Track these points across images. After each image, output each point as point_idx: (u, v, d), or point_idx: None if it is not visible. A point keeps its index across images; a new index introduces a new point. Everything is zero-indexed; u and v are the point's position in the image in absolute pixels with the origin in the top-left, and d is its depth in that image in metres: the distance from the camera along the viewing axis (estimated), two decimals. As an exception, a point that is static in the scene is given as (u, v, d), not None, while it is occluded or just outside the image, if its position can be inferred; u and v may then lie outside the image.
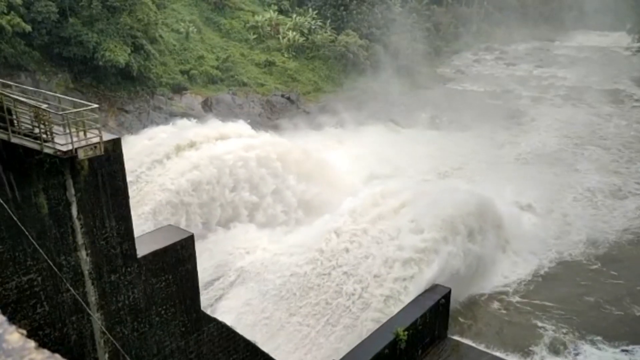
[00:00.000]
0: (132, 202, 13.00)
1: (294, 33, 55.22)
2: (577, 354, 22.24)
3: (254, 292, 24.42)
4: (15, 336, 2.62)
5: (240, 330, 16.61)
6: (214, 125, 32.34)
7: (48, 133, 10.32)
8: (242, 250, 26.59)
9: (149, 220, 25.11)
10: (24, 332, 2.64)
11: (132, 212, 12.12)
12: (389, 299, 22.21)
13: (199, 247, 14.20)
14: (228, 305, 24.12)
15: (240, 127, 32.60)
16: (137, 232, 12.63)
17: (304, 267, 24.14)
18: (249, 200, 29.03)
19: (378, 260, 23.46)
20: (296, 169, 30.64)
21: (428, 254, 23.25)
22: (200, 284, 14.61)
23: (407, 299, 21.78)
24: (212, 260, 25.97)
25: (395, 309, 21.45)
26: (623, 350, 22.33)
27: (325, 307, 22.87)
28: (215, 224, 27.93)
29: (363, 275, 23.13)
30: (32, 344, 2.56)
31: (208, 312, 22.11)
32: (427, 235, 23.71)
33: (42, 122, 10.26)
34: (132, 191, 17.96)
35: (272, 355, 16.38)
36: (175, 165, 27.88)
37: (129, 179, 12.96)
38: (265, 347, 16.78)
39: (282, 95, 48.88)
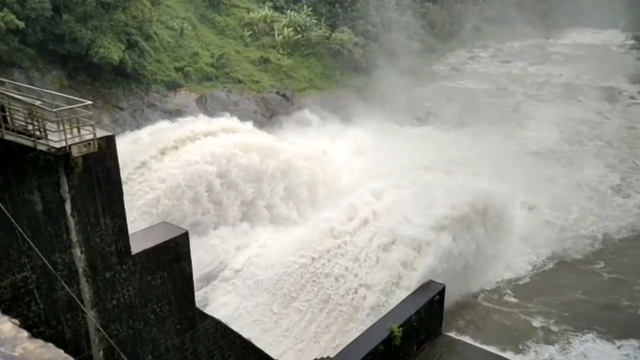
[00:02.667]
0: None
1: (289, 30, 55.12)
2: (571, 350, 22.37)
3: (249, 289, 24.43)
4: (7, 326, 2.62)
5: (235, 327, 16.62)
6: (203, 122, 32.17)
7: (42, 130, 10.28)
8: (236, 248, 26.56)
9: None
10: (17, 321, 2.64)
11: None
12: (384, 295, 22.28)
13: (193, 244, 14.17)
14: (223, 303, 24.13)
15: (231, 123, 32.51)
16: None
17: (299, 265, 24.16)
18: (242, 199, 28.86)
19: (373, 257, 23.52)
20: (290, 166, 30.57)
21: (424, 250, 23.31)
22: (195, 282, 14.60)
23: (402, 296, 21.84)
24: (206, 258, 25.95)
25: (390, 306, 21.51)
26: (617, 346, 22.49)
27: (320, 304, 22.91)
28: (209, 222, 27.83)
29: (358, 272, 23.18)
30: (25, 333, 2.56)
31: (202, 309, 22.20)
32: (423, 231, 23.77)
33: (35, 119, 10.22)
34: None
35: (267, 352, 16.39)
36: (169, 161, 27.72)
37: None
38: (260, 344, 16.79)
39: (277, 93, 48.81)
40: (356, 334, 20.32)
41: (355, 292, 22.69)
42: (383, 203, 26.10)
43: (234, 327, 15.90)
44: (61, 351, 2.59)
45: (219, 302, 24.21)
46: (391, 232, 24.14)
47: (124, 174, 26.34)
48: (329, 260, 23.86)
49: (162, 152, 28.03)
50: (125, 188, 25.72)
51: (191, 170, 27.36)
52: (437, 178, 34.55)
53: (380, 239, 24.11)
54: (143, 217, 24.80)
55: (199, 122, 31.81)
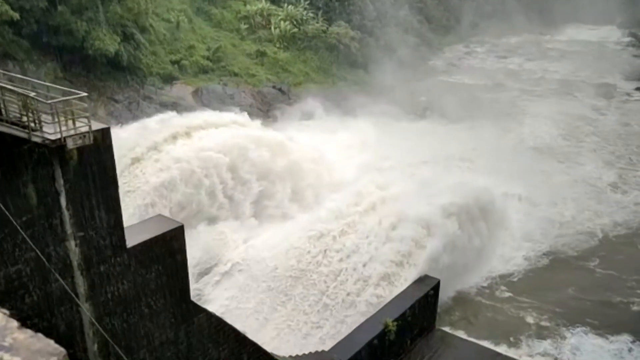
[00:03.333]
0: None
1: (286, 23, 54.93)
2: (564, 345, 22.50)
3: (244, 283, 24.42)
4: (-2, 316, 2.61)
5: (230, 321, 16.62)
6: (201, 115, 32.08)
7: (36, 122, 10.20)
8: (231, 242, 26.50)
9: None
10: (7, 311, 2.63)
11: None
12: (378, 289, 22.33)
13: (188, 239, 14.14)
14: (218, 297, 24.12)
15: (241, 118, 32.47)
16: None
17: (294, 259, 24.16)
18: (237, 193, 28.73)
19: (368, 251, 23.56)
20: (285, 161, 30.44)
21: (419, 244, 23.38)
22: (190, 276, 14.58)
23: (396, 290, 21.91)
24: (201, 252, 25.89)
25: (384, 300, 21.57)
26: (608, 340, 22.66)
27: (315, 298, 22.94)
28: (203, 217, 27.70)
29: (353, 267, 23.22)
30: (14, 323, 2.55)
31: (199, 302, 22.19)
32: (419, 226, 23.83)
33: (30, 110, 10.14)
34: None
35: (262, 346, 16.41)
36: (166, 154, 27.64)
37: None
38: (255, 338, 16.81)
39: (274, 86, 48.69)
40: (350, 329, 20.40)
41: (350, 288, 22.70)
42: (388, 193, 26.18)
43: (229, 321, 15.90)
44: (51, 341, 2.59)
45: (213, 296, 24.20)
46: (400, 212, 24.43)
47: (136, 154, 26.80)
48: (325, 256, 23.85)
49: (174, 137, 28.09)
50: (139, 166, 25.99)
51: (204, 156, 27.29)
52: (436, 173, 34.57)
53: (390, 218, 24.29)
54: (161, 201, 24.98)
55: (209, 113, 31.95)
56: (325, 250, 24.08)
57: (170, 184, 25.91)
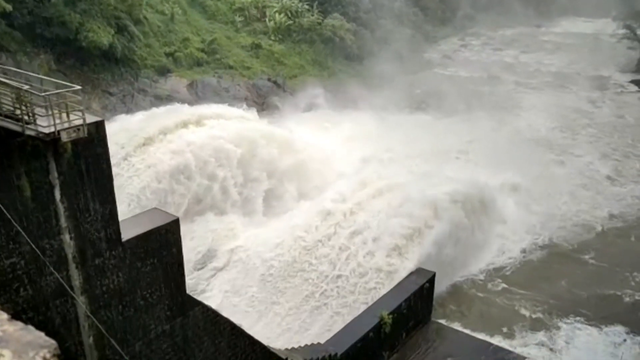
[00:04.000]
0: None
1: (281, 16, 54.68)
2: (558, 336, 22.66)
3: (240, 276, 24.46)
4: (-13, 309, 2.59)
5: (226, 314, 16.65)
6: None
7: (30, 115, 10.15)
8: (227, 235, 26.52)
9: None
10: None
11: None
12: (374, 282, 22.40)
13: (183, 231, 14.13)
14: (214, 290, 24.16)
15: (249, 114, 32.63)
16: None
17: (291, 251, 24.22)
18: (234, 185, 28.73)
19: (364, 244, 23.62)
20: (283, 154, 30.45)
21: (414, 238, 23.45)
22: (186, 269, 14.58)
23: (392, 283, 21.98)
24: (197, 245, 25.90)
25: (380, 293, 21.65)
26: (602, 332, 22.83)
27: (311, 291, 22.99)
28: (200, 209, 27.72)
29: (350, 259, 23.27)
30: (4, 315, 2.54)
31: (195, 294, 22.21)
32: (414, 219, 23.91)
33: (23, 103, 10.08)
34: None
35: (258, 338, 16.44)
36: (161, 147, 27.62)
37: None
38: (251, 331, 16.84)
39: (269, 79, 48.50)
40: (346, 322, 20.47)
41: (346, 281, 22.75)
42: (374, 192, 26.23)
43: (224, 313, 15.92)
44: (42, 334, 2.57)
45: (210, 288, 24.23)
46: (407, 195, 24.85)
47: (148, 134, 26.93)
48: (322, 249, 23.88)
49: (185, 124, 28.37)
50: (150, 149, 26.11)
51: (217, 144, 27.52)
52: (434, 166, 34.65)
53: (397, 200, 24.62)
54: (174, 183, 25.47)
55: (218, 106, 32.16)
56: (335, 225, 24.23)
57: (186, 168, 25.87)
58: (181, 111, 29.96)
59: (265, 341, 17.23)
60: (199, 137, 27.56)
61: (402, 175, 28.23)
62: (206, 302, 15.90)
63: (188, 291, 14.30)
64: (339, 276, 22.95)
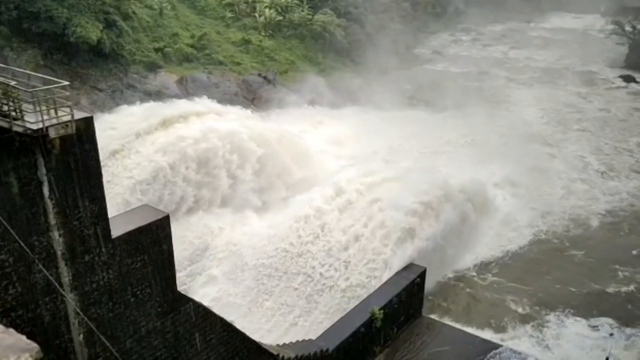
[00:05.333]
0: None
1: (271, 11, 54.50)
2: (547, 329, 22.84)
3: (231, 272, 24.41)
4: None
5: (218, 310, 16.62)
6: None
7: (17, 111, 10.05)
8: (218, 232, 26.43)
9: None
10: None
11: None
12: (364, 278, 22.44)
13: (174, 229, 14.07)
14: (205, 286, 24.09)
15: (234, 109, 32.68)
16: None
17: (281, 248, 24.19)
18: (222, 183, 28.56)
19: (355, 240, 23.64)
20: (273, 151, 30.33)
21: (404, 233, 23.50)
22: (177, 265, 14.53)
23: (383, 278, 22.03)
24: (188, 242, 25.81)
25: (371, 288, 21.69)
26: (591, 325, 23.07)
27: (302, 287, 23.00)
28: (189, 207, 27.57)
29: (341, 255, 23.29)
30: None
31: (188, 288, 22.15)
32: (404, 215, 23.97)
33: (11, 99, 9.98)
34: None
35: (250, 335, 16.43)
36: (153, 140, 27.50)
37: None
38: (242, 327, 16.83)
39: (259, 75, 48.30)
40: (338, 317, 20.50)
41: (337, 277, 22.76)
42: (363, 188, 26.17)
43: (216, 310, 15.90)
44: (23, 337, 2.53)
45: (201, 285, 24.15)
46: (399, 190, 25.02)
47: (149, 125, 27.19)
48: (312, 245, 23.89)
49: (185, 117, 28.99)
50: (149, 138, 26.24)
51: (225, 133, 28.13)
52: (419, 163, 34.74)
53: (389, 195, 24.87)
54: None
55: (215, 104, 32.70)
56: (328, 220, 24.30)
57: (178, 164, 26.12)
58: (178, 107, 30.05)
59: (256, 337, 17.22)
60: (199, 130, 27.66)
61: (394, 170, 28.23)
62: (198, 298, 15.87)
63: (179, 287, 14.26)
64: (330, 271, 22.96)
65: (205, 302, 15.80)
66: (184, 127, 28.05)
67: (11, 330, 2.53)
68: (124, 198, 24.50)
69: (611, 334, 22.44)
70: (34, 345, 2.68)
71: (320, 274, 23.01)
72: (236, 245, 25.43)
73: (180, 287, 15.28)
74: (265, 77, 48.22)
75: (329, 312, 21.89)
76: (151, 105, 31.34)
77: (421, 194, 24.94)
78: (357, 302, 20.97)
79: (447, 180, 26.92)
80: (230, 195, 28.52)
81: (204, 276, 24.56)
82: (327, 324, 20.39)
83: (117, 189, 24.90)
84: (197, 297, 17.81)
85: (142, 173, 25.59)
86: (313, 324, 21.73)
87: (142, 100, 35.65)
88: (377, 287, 21.63)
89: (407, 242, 23.12)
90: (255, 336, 17.06)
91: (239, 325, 16.97)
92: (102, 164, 11.76)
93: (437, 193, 25.45)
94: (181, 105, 30.82)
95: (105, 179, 12.14)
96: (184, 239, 25.39)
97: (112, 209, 12.97)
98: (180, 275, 21.56)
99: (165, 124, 28.06)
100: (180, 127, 27.85)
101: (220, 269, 24.70)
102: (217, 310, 16.08)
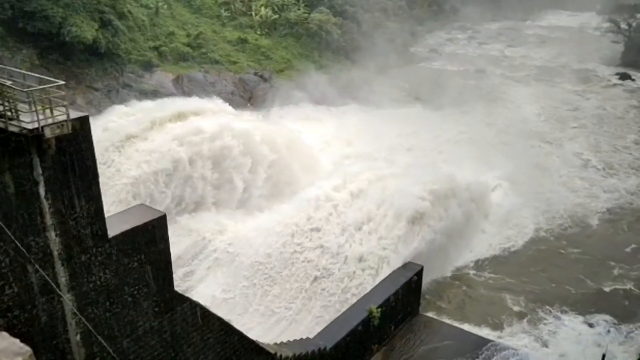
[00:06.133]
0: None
1: (267, 10, 54.45)
2: (543, 327, 22.91)
3: (228, 271, 24.38)
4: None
5: (215, 309, 16.61)
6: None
7: (13, 111, 10.01)
8: (214, 231, 26.38)
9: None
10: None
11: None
12: (363, 276, 22.45)
13: (171, 230, 14.06)
14: (203, 286, 24.05)
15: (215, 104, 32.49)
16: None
17: (278, 246, 24.17)
18: (219, 182, 28.47)
19: (354, 237, 23.66)
20: (269, 150, 30.24)
21: (401, 232, 23.52)
22: (175, 265, 14.51)
23: (380, 277, 22.05)
24: (185, 241, 25.76)
25: (369, 286, 21.71)
26: (588, 323, 23.14)
27: (300, 285, 23.00)
28: (185, 206, 27.49)
29: (338, 254, 23.30)
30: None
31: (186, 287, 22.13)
32: (405, 213, 23.99)
33: (6, 99, 9.95)
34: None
35: (248, 334, 16.43)
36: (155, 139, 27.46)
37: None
38: (240, 326, 16.82)
39: (255, 74, 48.27)
40: (336, 315, 20.51)
41: (335, 275, 22.75)
42: (359, 187, 26.17)
43: (213, 309, 15.88)
44: (16, 340, 2.51)
45: (199, 284, 24.12)
46: (397, 188, 25.11)
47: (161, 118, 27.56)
48: (309, 243, 23.87)
49: (196, 113, 29.28)
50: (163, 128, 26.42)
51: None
52: (415, 161, 34.76)
53: (388, 193, 24.93)
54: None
55: (222, 102, 32.89)
56: (325, 218, 24.42)
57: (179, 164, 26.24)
58: (186, 105, 30.27)
59: (254, 336, 17.22)
60: (185, 131, 27.51)
61: (391, 168, 28.23)
62: (195, 298, 15.85)
63: (177, 286, 14.25)
64: (328, 270, 22.96)
65: (202, 301, 15.76)
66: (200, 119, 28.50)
67: (4, 333, 2.51)
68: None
69: (608, 331, 22.51)
70: (27, 349, 2.67)
71: (317, 271, 22.96)
72: (233, 244, 25.36)
73: (178, 286, 15.26)
74: (261, 76, 48.18)
75: (326, 310, 21.85)
76: (163, 101, 31.74)
77: (429, 183, 25.16)
78: (355, 301, 20.99)
79: (453, 176, 27.03)
80: (227, 193, 28.42)
81: (202, 274, 24.51)
82: (324, 323, 20.38)
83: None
84: (194, 296, 17.82)
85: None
86: (311, 322, 21.72)
87: (138, 100, 35.54)
88: (374, 285, 21.66)
89: (405, 241, 23.15)
90: (252, 335, 17.05)
91: (236, 324, 16.96)
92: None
93: (445, 186, 25.61)
94: (192, 103, 31.17)
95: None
96: (181, 237, 25.37)
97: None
98: (178, 277, 21.59)
99: (180, 117, 28.56)
100: (172, 128, 27.83)
101: (217, 267, 24.65)
102: (214, 309, 16.07)
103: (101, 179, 11.76)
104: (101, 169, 11.89)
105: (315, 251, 23.52)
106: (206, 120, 28.57)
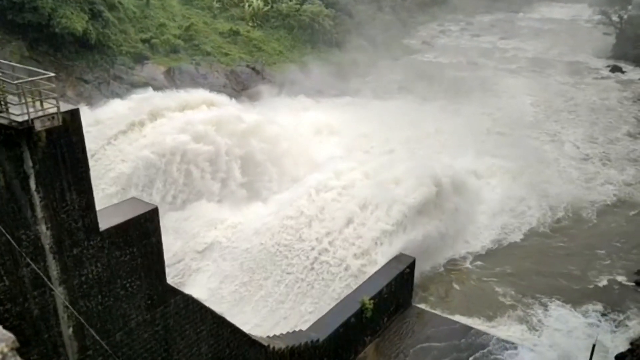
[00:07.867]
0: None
1: (258, 1, 54.14)
2: (534, 318, 23.07)
3: (222, 264, 24.37)
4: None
5: (208, 302, 16.61)
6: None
7: (2, 103, 9.92)
8: (207, 224, 26.31)
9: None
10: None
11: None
12: (356, 268, 22.50)
13: (164, 223, 14.01)
14: (196, 279, 24.04)
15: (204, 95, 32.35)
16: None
17: (273, 239, 24.16)
18: (211, 175, 28.36)
19: (347, 229, 23.68)
20: (261, 142, 30.14)
21: (394, 224, 23.58)
22: (167, 259, 14.47)
23: (374, 268, 22.11)
24: (179, 235, 25.69)
25: (362, 279, 21.77)
26: (579, 314, 23.32)
27: (293, 278, 23.02)
28: (179, 200, 27.41)
29: (333, 245, 23.32)
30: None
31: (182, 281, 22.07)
32: (398, 205, 24.04)
33: (-5, 91, 9.84)
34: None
35: (241, 327, 16.45)
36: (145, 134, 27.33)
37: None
38: (233, 319, 16.83)
39: (247, 66, 48.04)
40: (329, 308, 20.56)
41: (328, 268, 22.79)
42: (352, 180, 26.19)
43: (206, 302, 15.87)
44: (5, 331, 2.50)
45: (192, 278, 24.09)
46: (391, 180, 25.45)
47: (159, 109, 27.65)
48: (303, 235, 23.88)
49: (193, 107, 29.43)
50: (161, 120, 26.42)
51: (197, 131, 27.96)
52: (408, 154, 34.75)
53: (382, 184, 25.17)
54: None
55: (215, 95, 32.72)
56: (319, 211, 24.42)
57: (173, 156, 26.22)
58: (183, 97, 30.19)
59: (247, 328, 17.24)
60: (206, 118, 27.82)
61: (385, 160, 28.27)
62: (189, 291, 15.84)
63: (170, 279, 14.22)
64: (321, 262, 22.99)
65: (196, 294, 15.75)
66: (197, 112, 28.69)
67: (-1, 328, 2.50)
68: None
69: (599, 321, 22.72)
70: (10, 335, 2.65)
71: (311, 264, 22.99)
72: (227, 237, 25.32)
73: (171, 279, 15.23)
74: (253, 68, 47.98)
75: (319, 302, 21.90)
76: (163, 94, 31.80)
77: (413, 183, 25.14)
78: (348, 293, 21.05)
79: (438, 169, 26.97)
80: (219, 187, 28.34)
81: (194, 268, 24.48)
82: (318, 315, 20.43)
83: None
84: (188, 289, 17.79)
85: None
86: (304, 314, 21.76)
87: (129, 92, 35.28)
88: (367, 277, 21.72)
89: (397, 233, 23.26)
90: (245, 327, 17.08)
91: (229, 316, 16.96)
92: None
93: (428, 182, 25.56)
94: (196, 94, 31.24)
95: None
96: (175, 230, 25.33)
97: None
98: (171, 270, 21.57)
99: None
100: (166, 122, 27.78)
101: (210, 260, 24.63)
102: (207, 302, 16.06)
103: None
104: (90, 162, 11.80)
105: (309, 243, 23.52)
106: (199, 113, 28.48)
